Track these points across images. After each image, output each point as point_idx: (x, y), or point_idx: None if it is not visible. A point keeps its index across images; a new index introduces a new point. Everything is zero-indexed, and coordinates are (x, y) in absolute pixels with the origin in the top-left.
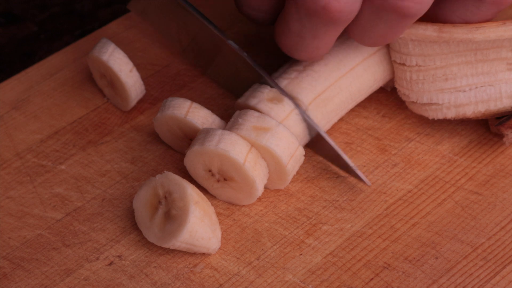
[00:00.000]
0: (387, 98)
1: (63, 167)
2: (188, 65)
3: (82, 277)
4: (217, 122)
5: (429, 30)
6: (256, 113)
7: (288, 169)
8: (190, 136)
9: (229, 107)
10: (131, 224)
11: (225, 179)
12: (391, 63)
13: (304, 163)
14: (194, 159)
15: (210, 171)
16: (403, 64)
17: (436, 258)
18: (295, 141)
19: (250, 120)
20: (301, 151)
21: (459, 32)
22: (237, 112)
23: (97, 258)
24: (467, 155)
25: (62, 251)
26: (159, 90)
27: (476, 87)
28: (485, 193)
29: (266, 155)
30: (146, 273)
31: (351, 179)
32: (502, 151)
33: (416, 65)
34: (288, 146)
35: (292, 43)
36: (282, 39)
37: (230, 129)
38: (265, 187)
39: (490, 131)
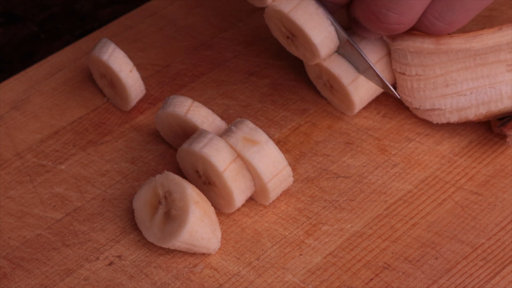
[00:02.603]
0: (387, 98)
1: (63, 167)
2: (188, 65)
3: (82, 277)
4: (217, 122)
5: (427, 43)
6: (251, 125)
7: (269, 187)
8: (189, 135)
9: (229, 107)
10: (131, 224)
11: (209, 183)
12: (392, 71)
13: (304, 163)
14: (183, 158)
15: (197, 172)
16: (403, 74)
17: (436, 258)
18: (282, 161)
19: (242, 130)
20: (288, 172)
21: (457, 43)
22: (237, 120)
23: (97, 258)
24: (467, 155)
25: (62, 251)
26: (159, 90)
27: (477, 90)
28: (485, 194)
29: (250, 168)
30: (146, 273)
31: (351, 179)
32: (502, 151)
33: (416, 74)
34: (273, 164)
35: (385, 1)
36: None
37: (223, 135)
38: (252, 199)
39: (490, 131)
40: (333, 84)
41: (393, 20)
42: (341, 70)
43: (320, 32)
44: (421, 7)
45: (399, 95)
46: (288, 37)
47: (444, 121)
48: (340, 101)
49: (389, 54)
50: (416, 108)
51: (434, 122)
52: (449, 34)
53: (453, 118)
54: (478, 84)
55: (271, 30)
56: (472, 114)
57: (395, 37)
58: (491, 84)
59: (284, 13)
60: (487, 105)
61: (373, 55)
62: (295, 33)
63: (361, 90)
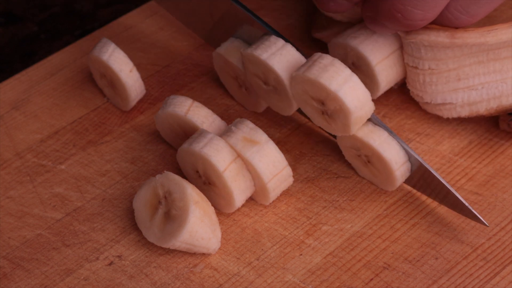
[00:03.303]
0: (387, 98)
1: (63, 167)
2: (188, 65)
3: (82, 277)
4: (217, 122)
5: (442, 37)
6: (251, 125)
7: (269, 187)
8: (189, 135)
9: (229, 107)
10: (131, 224)
11: (209, 183)
12: (403, 65)
13: (304, 163)
14: (183, 158)
15: (197, 172)
16: (416, 67)
17: (436, 258)
18: (282, 161)
19: (242, 130)
20: (288, 172)
21: (471, 37)
22: (237, 119)
23: (97, 258)
24: (467, 155)
25: (62, 251)
26: (159, 90)
27: (489, 84)
28: (485, 194)
29: (250, 168)
30: (146, 273)
31: (352, 179)
32: (502, 151)
33: (429, 68)
34: (273, 164)
35: None
36: None
37: (223, 135)
38: (252, 199)
39: (490, 132)
40: (374, 161)
41: (418, 16)
42: (392, 153)
43: (354, 99)
44: (445, 2)
45: (410, 90)
46: (322, 112)
47: (454, 115)
48: (374, 176)
49: (401, 48)
50: (427, 102)
51: (445, 116)
52: (463, 28)
53: (464, 112)
54: (490, 78)
55: (304, 110)
56: (483, 108)
57: (409, 31)
58: (503, 79)
59: (309, 78)
60: (498, 100)
61: (385, 49)
62: (325, 101)
63: (404, 171)
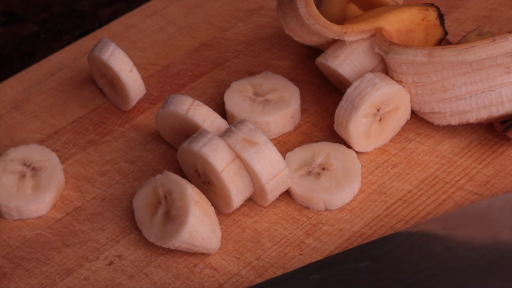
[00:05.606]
0: None
1: (63, 166)
2: (188, 65)
3: (82, 277)
4: (218, 120)
5: (419, 56)
6: (251, 125)
7: (267, 188)
8: (190, 134)
9: None
10: (131, 224)
11: (208, 183)
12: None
13: None
14: (183, 157)
15: (197, 171)
16: (400, 81)
17: None
18: (281, 163)
19: (242, 131)
20: (286, 174)
21: (449, 55)
22: (238, 120)
23: (97, 258)
24: (467, 155)
25: (62, 250)
26: (159, 90)
27: (476, 94)
28: (485, 194)
29: (248, 169)
30: (146, 273)
31: None
32: (502, 151)
33: (413, 82)
34: (271, 165)
35: None
36: None
37: (222, 135)
38: (251, 200)
39: (490, 132)
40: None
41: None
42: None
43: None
44: None
45: None
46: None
47: (445, 123)
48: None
49: (383, 61)
50: (416, 110)
51: (436, 123)
52: (441, 46)
53: (454, 121)
54: (477, 87)
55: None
56: (473, 117)
57: (387, 51)
58: (490, 87)
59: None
60: (488, 109)
61: (368, 62)
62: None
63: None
